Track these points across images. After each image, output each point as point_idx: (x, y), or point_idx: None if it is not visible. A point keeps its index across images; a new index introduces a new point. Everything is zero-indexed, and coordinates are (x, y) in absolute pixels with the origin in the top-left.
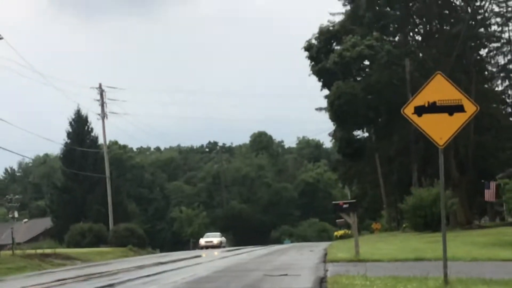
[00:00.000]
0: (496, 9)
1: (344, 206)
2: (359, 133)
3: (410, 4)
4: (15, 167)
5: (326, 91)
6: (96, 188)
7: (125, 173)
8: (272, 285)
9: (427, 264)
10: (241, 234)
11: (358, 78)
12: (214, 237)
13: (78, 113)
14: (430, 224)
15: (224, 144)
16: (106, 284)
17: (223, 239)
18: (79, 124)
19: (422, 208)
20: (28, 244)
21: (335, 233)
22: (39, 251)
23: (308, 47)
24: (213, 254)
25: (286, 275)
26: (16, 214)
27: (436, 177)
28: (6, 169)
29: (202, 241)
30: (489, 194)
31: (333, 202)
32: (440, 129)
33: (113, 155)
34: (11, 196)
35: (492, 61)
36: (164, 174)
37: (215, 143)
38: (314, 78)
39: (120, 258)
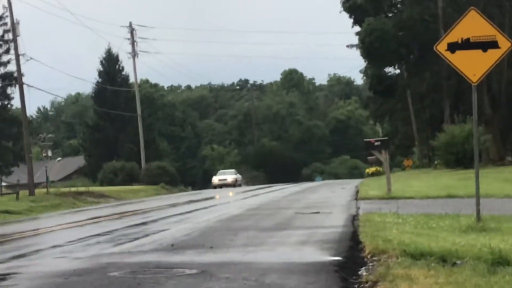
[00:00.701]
0: None
1: (376, 143)
2: (391, 70)
3: None
4: (48, 106)
5: (357, 28)
6: (127, 127)
7: (156, 111)
8: (304, 223)
9: (459, 201)
10: (273, 171)
11: (390, 14)
12: (229, 175)
13: (109, 52)
14: (462, 161)
15: (255, 81)
16: (139, 222)
17: (239, 176)
18: (110, 63)
19: (454, 145)
20: (62, 183)
21: (367, 171)
22: (73, 189)
23: None
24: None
25: (318, 213)
26: (49, 153)
27: (469, 114)
28: (38, 108)
29: (215, 179)
30: None
31: (365, 139)
32: (474, 66)
33: (144, 93)
34: (44, 135)
35: None
36: (195, 112)
37: (246, 81)
38: (345, 15)
39: (152, 196)
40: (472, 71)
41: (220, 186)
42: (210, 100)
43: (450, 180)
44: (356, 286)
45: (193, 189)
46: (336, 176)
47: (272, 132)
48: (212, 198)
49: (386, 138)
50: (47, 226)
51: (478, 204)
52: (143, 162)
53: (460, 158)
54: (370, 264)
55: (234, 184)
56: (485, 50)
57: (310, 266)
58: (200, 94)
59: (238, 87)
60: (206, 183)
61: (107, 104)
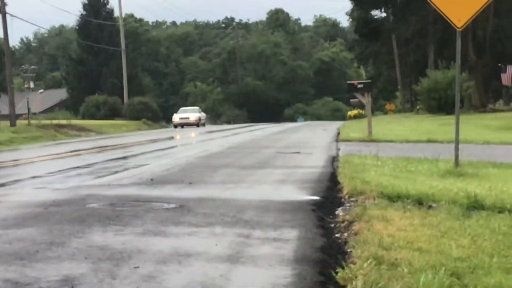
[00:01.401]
0: None
1: (359, 86)
2: (377, 13)
3: None
4: (31, 37)
5: None
6: (111, 61)
7: (140, 47)
8: (285, 163)
9: (439, 146)
10: (255, 111)
11: None
12: (192, 113)
13: None
14: (444, 106)
15: (240, 20)
16: (119, 156)
17: (203, 114)
18: None
19: (436, 91)
20: (44, 115)
21: (349, 113)
22: (55, 121)
23: None
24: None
25: (298, 153)
26: (32, 84)
27: (453, 60)
28: (21, 39)
29: (176, 118)
30: (505, 78)
31: (348, 81)
32: (459, 11)
33: (129, 28)
34: (26, 66)
35: None
36: (180, 49)
37: (232, 19)
38: None
39: (134, 131)
40: (457, 16)
41: (182, 125)
42: (195, 37)
43: (431, 125)
44: (332, 225)
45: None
46: (318, 117)
47: (256, 72)
48: (202, 133)
49: (369, 81)
50: (28, 157)
51: (457, 149)
52: (126, 97)
53: (442, 104)
54: (347, 204)
55: (197, 123)
56: None
57: (288, 205)
58: (185, 31)
59: (223, 25)
60: None
61: (91, 38)
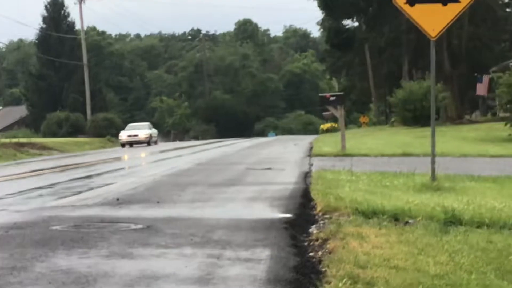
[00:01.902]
0: None
1: (331, 98)
2: (349, 23)
3: None
4: None
5: None
6: (73, 76)
7: (103, 60)
8: (255, 179)
9: (415, 160)
10: (224, 125)
11: None
12: (142, 129)
13: None
14: (420, 118)
15: (207, 31)
16: (83, 175)
17: (154, 131)
18: (55, 8)
19: (411, 102)
20: (2, 133)
21: (321, 127)
22: (14, 140)
23: None
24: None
25: (270, 169)
26: None
27: (428, 70)
28: None
29: (123, 135)
30: (481, 88)
31: (320, 94)
32: (433, 20)
33: (91, 41)
34: None
35: None
36: (144, 62)
37: (198, 30)
38: None
39: (98, 149)
40: (431, 25)
41: (130, 143)
42: (160, 50)
43: (406, 137)
44: (305, 243)
45: None
46: (290, 131)
47: (224, 85)
48: (161, 151)
49: (342, 93)
50: None
51: (433, 162)
52: (89, 113)
53: (417, 116)
54: (321, 221)
55: (148, 141)
56: (445, 4)
57: (259, 223)
58: (149, 44)
59: (189, 37)
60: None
61: (51, 52)
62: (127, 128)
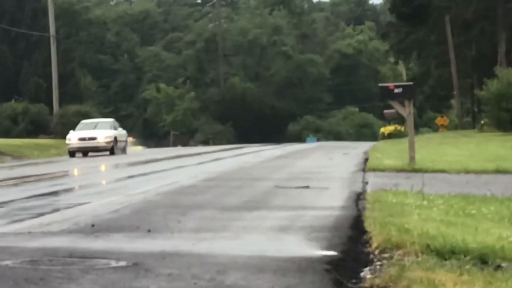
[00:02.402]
0: None
1: (396, 90)
2: None
3: None
4: None
5: None
6: (35, 53)
7: (78, 32)
8: (286, 202)
9: None
10: (245, 126)
11: None
12: (101, 129)
13: None
14: None
15: None
16: (47, 191)
17: (122, 133)
18: None
19: (510, 98)
20: None
21: (382, 130)
22: None
23: None
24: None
25: (307, 187)
26: None
27: None
28: None
29: (73, 138)
30: None
31: (380, 84)
32: None
33: (61, 4)
34: None
35: None
36: (135, 35)
37: None
38: None
39: (68, 155)
40: None
41: (84, 151)
42: (158, 19)
43: (501, 148)
44: None
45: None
46: (338, 136)
47: (247, 69)
48: (154, 160)
49: (411, 83)
50: None
51: None
52: (56, 105)
53: None
54: (378, 262)
55: (110, 148)
56: None
57: (291, 263)
58: (143, 9)
59: (199, 1)
60: (147, 139)
61: (5, 19)
62: (79, 126)
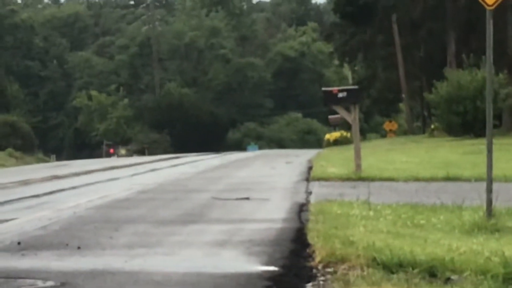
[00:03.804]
0: None
1: (340, 95)
2: None
3: None
4: None
5: None
6: None
7: (3, 36)
8: (225, 214)
9: (463, 187)
10: (183, 134)
11: None
12: None
13: None
14: (472, 125)
15: None
16: None
17: None
18: None
19: (460, 101)
20: None
21: (327, 136)
22: None
23: None
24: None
25: (247, 198)
26: None
27: (484, 54)
28: None
29: None
30: None
31: (324, 88)
32: None
33: None
34: None
35: None
36: (64, 40)
37: None
38: None
39: None
40: None
41: None
42: (88, 22)
43: (452, 153)
44: None
45: (59, 158)
46: (281, 143)
47: (183, 74)
48: (88, 172)
49: (356, 87)
50: None
51: (490, 191)
52: None
53: (468, 121)
54: (321, 277)
55: None
56: None
57: (229, 280)
58: (72, 12)
59: (132, 2)
60: (79, 150)
61: None
62: None
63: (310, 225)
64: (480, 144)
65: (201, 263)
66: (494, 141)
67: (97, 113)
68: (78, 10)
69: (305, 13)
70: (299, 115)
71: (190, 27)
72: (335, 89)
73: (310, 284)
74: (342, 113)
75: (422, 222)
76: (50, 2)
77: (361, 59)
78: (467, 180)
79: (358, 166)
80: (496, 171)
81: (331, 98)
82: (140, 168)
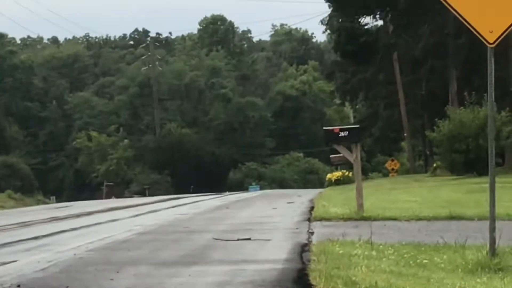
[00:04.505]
0: None
1: (342, 134)
2: (369, 21)
3: None
4: None
5: None
6: None
7: (3, 77)
8: (226, 255)
9: (467, 225)
10: (184, 174)
11: None
12: None
13: None
14: (475, 163)
15: (158, 34)
16: None
17: None
18: None
19: (462, 139)
20: None
21: (329, 176)
22: None
23: None
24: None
25: (249, 239)
26: None
27: (486, 91)
28: None
29: None
30: None
31: (325, 128)
32: (491, 17)
33: None
34: None
35: None
36: (64, 81)
37: (145, 32)
38: None
39: None
40: (488, 25)
41: None
42: (88, 62)
43: (454, 192)
44: None
45: (59, 200)
46: (282, 183)
47: (184, 114)
48: (88, 213)
49: (357, 126)
50: None
51: (492, 230)
52: None
53: (471, 160)
54: None
55: None
56: None
57: None
58: (72, 52)
59: (132, 42)
60: (79, 191)
61: None
62: None
63: (312, 266)
64: (483, 183)
65: None
66: (497, 179)
67: (97, 154)
68: (78, 50)
69: (305, 52)
70: (301, 154)
71: (190, 67)
72: (336, 128)
73: None
74: (343, 152)
75: (425, 261)
76: (49, 43)
77: (362, 97)
78: (470, 219)
79: (360, 205)
80: (499, 209)
81: (332, 137)
82: (141, 209)
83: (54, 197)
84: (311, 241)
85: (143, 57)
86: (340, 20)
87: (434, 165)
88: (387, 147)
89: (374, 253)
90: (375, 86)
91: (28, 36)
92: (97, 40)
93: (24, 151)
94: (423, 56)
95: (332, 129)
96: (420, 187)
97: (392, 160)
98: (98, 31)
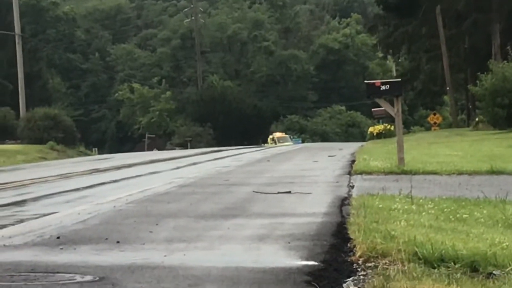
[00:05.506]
0: None
1: (383, 87)
2: None
3: None
4: None
5: None
6: None
7: (45, 29)
8: (266, 208)
9: (508, 180)
10: (225, 127)
11: None
12: None
13: None
14: None
15: None
16: (11, 201)
17: None
18: None
19: (505, 93)
20: None
21: (370, 129)
22: None
23: None
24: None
25: (288, 192)
26: None
27: None
28: None
29: None
30: None
31: (366, 81)
32: None
33: (27, 1)
34: None
35: None
36: (107, 33)
37: None
38: None
39: (36, 162)
40: None
41: None
42: (130, 14)
43: (496, 146)
44: None
45: (101, 152)
46: (324, 136)
47: (226, 66)
48: (129, 166)
49: (399, 80)
50: None
51: None
52: (22, 108)
53: None
54: (362, 272)
55: None
56: None
57: (269, 274)
58: (114, 4)
59: None
60: (121, 143)
61: None
62: None
63: (351, 219)
64: None
65: (240, 258)
66: None
67: (140, 106)
68: (120, 2)
69: (348, 4)
70: (343, 108)
71: (232, 20)
72: (377, 81)
73: (350, 279)
74: (385, 106)
75: (465, 216)
76: None
77: (405, 51)
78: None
79: (401, 159)
80: None
81: (373, 91)
82: (182, 162)
83: (96, 149)
84: (351, 195)
85: (185, 9)
86: None
87: (477, 119)
88: (429, 101)
89: (413, 207)
90: (417, 39)
91: None
92: None
93: (67, 102)
94: (466, 9)
95: (374, 83)
96: (461, 141)
97: (434, 114)
98: None
